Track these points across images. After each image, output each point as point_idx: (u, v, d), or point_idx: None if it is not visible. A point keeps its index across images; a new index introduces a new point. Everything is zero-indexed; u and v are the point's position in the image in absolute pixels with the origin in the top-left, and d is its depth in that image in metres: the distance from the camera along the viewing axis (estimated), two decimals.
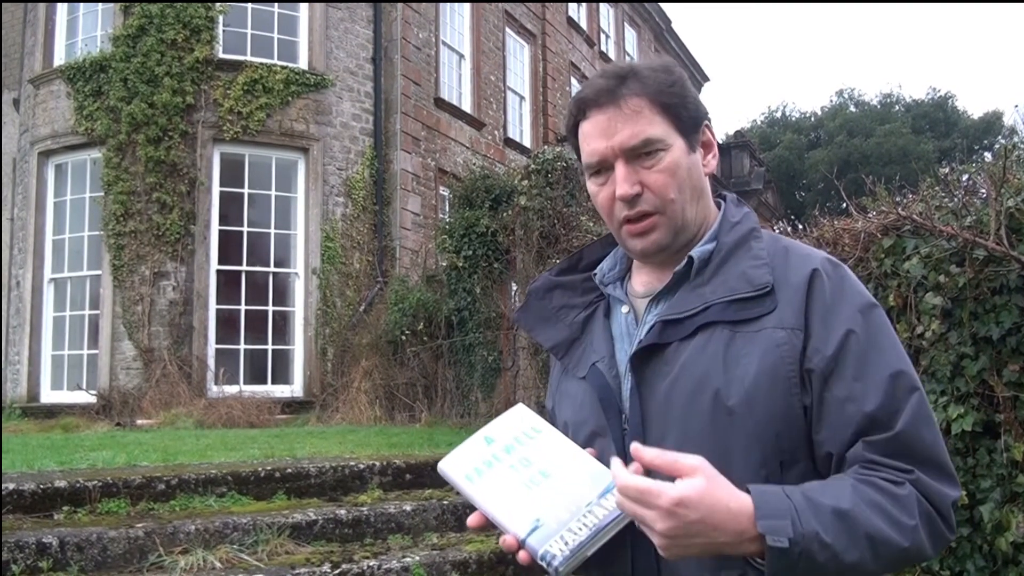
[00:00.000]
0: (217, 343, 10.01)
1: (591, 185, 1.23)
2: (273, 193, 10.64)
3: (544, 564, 1.05)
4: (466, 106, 13.49)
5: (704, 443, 1.08)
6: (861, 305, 1.14)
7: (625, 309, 1.27)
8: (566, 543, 1.05)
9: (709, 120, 1.26)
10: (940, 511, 1.06)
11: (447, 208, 11.63)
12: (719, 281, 1.17)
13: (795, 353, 1.10)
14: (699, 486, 0.96)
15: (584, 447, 1.18)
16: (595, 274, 1.32)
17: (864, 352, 1.10)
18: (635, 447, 1.02)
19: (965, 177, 4.08)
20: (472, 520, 1.14)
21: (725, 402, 1.10)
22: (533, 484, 1.12)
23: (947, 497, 1.07)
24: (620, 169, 1.17)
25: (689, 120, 1.20)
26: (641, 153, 1.17)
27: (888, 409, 1.07)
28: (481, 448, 1.19)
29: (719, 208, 1.27)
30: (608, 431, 1.19)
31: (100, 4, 10.79)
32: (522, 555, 1.07)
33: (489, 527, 1.13)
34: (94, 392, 9.68)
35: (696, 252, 1.20)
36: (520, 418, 1.23)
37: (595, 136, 1.19)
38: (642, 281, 1.28)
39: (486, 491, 1.13)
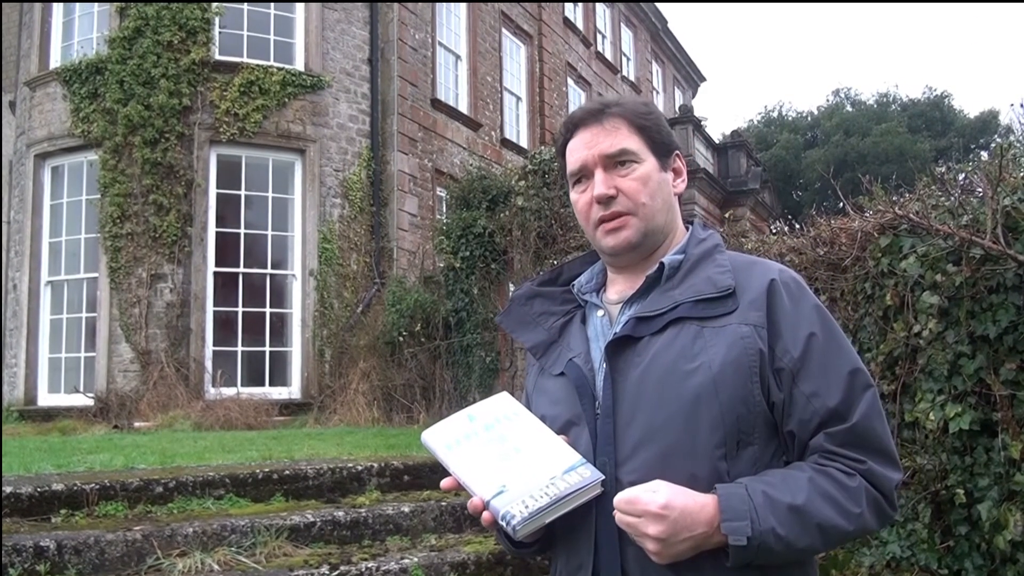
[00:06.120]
0: (214, 345, 10.00)
1: (573, 194, 1.41)
2: (270, 195, 10.63)
3: (504, 523, 1.19)
4: (463, 107, 13.49)
5: (672, 425, 1.22)
6: (818, 310, 1.30)
7: (600, 313, 1.41)
8: (526, 506, 1.19)
9: (680, 152, 1.44)
10: (885, 494, 1.23)
11: (444, 209, 11.63)
12: (687, 285, 1.32)
13: (757, 347, 1.24)
14: (667, 490, 1.15)
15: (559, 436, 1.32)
16: (573, 286, 1.47)
17: (824, 352, 1.26)
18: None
19: (961, 176, 4.09)
20: (445, 483, 1.30)
21: (693, 387, 1.22)
22: (505, 457, 1.27)
23: (891, 481, 1.24)
24: (598, 175, 1.35)
25: (661, 143, 1.39)
26: (617, 163, 1.35)
27: (847, 403, 1.24)
28: (464, 424, 1.33)
29: (687, 230, 1.44)
30: (582, 418, 1.32)
31: (96, 6, 10.77)
32: (486, 516, 1.22)
33: (460, 491, 1.28)
34: (91, 395, 9.66)
35: (667, 259, 1.36)
36: (502, 403, 1.38)
37: (579, 148, 1.38)
38: (616, 290, 1.42)
39: (461, 459, 1.28)
